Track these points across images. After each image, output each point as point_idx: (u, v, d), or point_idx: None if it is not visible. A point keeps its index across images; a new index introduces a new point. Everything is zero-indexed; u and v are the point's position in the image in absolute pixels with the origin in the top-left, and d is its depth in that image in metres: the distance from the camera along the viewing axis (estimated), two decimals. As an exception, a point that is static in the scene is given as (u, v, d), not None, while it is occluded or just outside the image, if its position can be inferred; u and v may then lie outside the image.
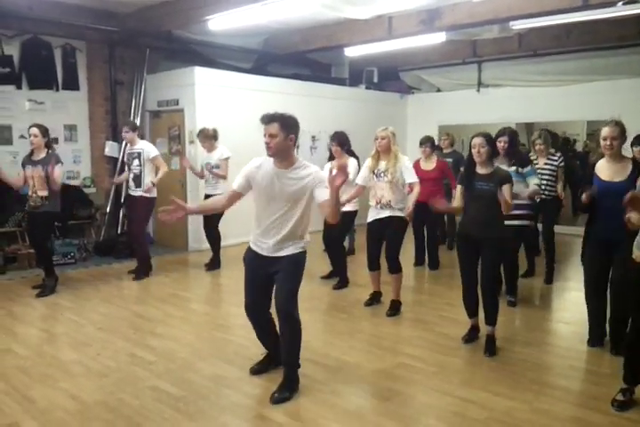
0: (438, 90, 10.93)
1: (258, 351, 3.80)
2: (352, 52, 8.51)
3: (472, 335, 4.27)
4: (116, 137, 7.77)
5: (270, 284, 3.37)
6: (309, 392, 3.40)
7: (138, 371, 3.71)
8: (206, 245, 6.86)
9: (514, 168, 4.81)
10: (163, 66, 8.24)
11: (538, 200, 5.62)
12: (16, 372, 3.71)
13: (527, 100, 9.37)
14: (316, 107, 9.00)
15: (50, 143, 5.58)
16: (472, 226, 4.04)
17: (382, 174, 4.75)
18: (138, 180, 6.08)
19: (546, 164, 5.78)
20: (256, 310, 3.50)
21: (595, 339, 4.11)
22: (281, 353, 3.41)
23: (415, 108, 11.01)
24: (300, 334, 3.35)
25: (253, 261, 3.41)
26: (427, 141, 6.55)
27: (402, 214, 4.76)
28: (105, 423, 3.01)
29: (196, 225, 7.54)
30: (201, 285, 6.22)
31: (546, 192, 5.75)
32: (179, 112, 7.88)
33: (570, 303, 5.39)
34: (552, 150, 5.91)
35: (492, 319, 4.08)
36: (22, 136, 6.86)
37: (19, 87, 7.11)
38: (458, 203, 4.16)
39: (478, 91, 10.16)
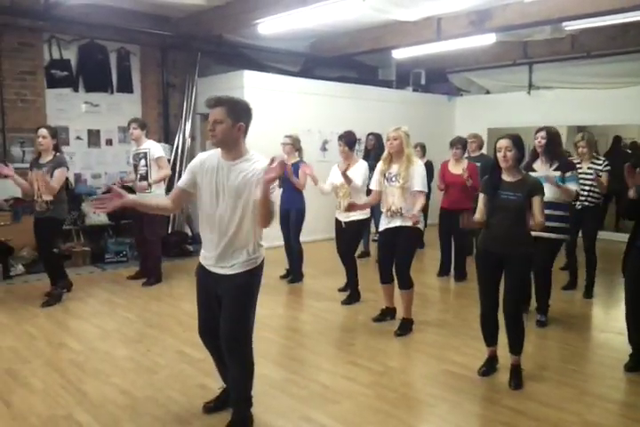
0: (487, 92, 10.78)
1: (301, 353, 3.84)
2: (399, 54, 8.49)
3: (490, 367, 3.76)
4: (168, 139, 7.97)
5: (220, 306, 2.90)
6: (353, 396, 3.41)
7: (186, 368, 3.80)
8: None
9: (558, 173, 4.45)
10: (213, 69, 8.41)
11: (579, 207, 5.32)
12: (70, 366, 3.85)
13: (579, 102, 9.13)
14: (363, 109, 9.01)
15: (58, 146, 5.33)
16: (494, 241, 3.56)
17: (393, 179, 4.39)
18: (144, 181, 5.88)
19: (589, 168, 5.36)
20: (209, 334, 2.99)
21: (634, 364, 3.79)
22: (230, 392, 3.03)
23: (463, 110, 10.88)
24: (251, 370, 2.94)
25: (202, 278, 2.96)
26: (457, 142, 6.18)
27: (416, 225, 4.32)
28: (154, 419, 3.10)
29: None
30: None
31: (589, 199, 5.37)
32: (228, 115, 8.00)
33: (612, 320, 5.10)
34: (595, 154, 5.50)
35: (517, 349, 3.59)
36: (79, 137, 7.12)
37: (76, 90, 7.38)
38: (480, 215, 3.64)
39: (529, 93, 9.96)
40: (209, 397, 3.35)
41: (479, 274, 3.69)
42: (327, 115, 8.56)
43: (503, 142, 3.49)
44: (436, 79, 10.95)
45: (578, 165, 5.29)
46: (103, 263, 6.96)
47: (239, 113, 2.77)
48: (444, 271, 6.52)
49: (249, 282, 2.83)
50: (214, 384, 3.52)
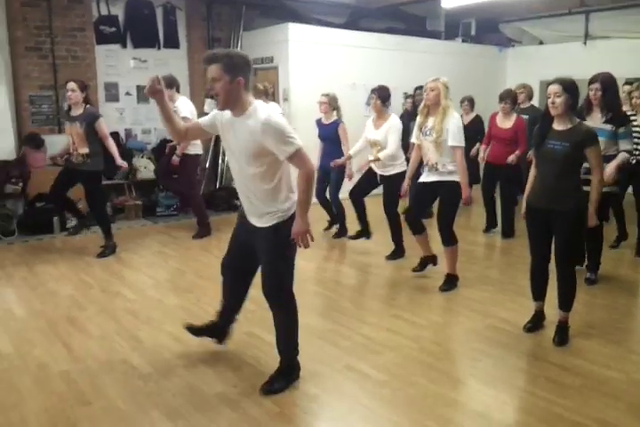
0: (541, 42, 10.32)
1: (346, 305, 3.89)
2: (449, 3, 8.15)
3: (536, 323, 3.70)
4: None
5: (253, 254, 2.96)
6: (397, 348, 3.48)
7: (235, 318, 3.93)
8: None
9: (609, 126, 4.25)
10: (258, 23, 8.31)
11: (633, 162, 4.96)
12: (125, 314, 4.04)
13: (639, 53, 8.65)
14: (410, 62, 8.78)
15: (88, 98, 5.36)
16: (541, 195, 3.41)
17: (428, 132, 4.28)
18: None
19: None
20: (230, 268, 3.14)
21: None
22: (276, 341, 3.07)
23: (515, 62, 10.47)
24: (296, 322, 3.02)
25: (240, 222, 3.05)
26: (507, 97, 5.94)
27: (454, 179, 4.25)
28: (207, 366, 3.24)
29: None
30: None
31: None
32: (273, 69, 7.95)
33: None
34: None
35: (566, 304, 3.50)
36: (128, 93, 7.21)
37: (124, 46, 7.45)
38: (532, 171, 3.52)
39: (585, 43, 9.49)
40: (257, 344, 3.49)
41: (529, 228, 3.59)
42: (373, 68, 8.39)
43: (553, 88, 3.26)
44: (487, 29, 10.51)
45: (632, 117, 5.01)
46: (155, 217, 7.17)
47: (236, 67, 2.65)
48: (489, 227, 6.44)
49: (280, 235, 2.82)
50: (262, 332, 3.64)
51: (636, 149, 5.01)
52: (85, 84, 5.36)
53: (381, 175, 5.20)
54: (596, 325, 3.84)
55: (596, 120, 4.35)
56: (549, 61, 9.73)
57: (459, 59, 9.55)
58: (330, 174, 5.90)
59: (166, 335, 3.66)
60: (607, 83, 4.28)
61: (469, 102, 7.36)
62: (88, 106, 5.29)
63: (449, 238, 4.42)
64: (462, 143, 4.22)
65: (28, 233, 6.24)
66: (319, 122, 6.12)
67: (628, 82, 5.89)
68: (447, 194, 4.33)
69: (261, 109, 2.70)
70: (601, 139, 4.09)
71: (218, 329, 3.33)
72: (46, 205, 6.28)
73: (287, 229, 2.81)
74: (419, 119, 4.43)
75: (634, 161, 5.12)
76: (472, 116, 7.30)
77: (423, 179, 4.42)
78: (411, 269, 4.85)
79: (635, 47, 8.73)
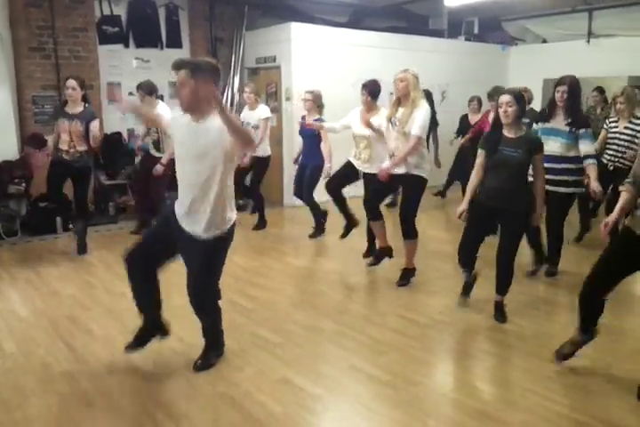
0: (544, 41, 10.27)
1: (351, 306, 3.90)
2: (452, 1, 8.13)
3: (467, 290, 4.11)
4: (216, 94, 7.99)
5: (171, 247, 3.00)
6: (401, 348, 3.47)
7: (238, 318, 3.93)
8: (301, 201, 6.95)
9: (570, 128, 4.25)
10: (260, 22, 8.29)
11: (611, 168, 5.04)
12: (128, 314, 4.01)
13: (643, 51, 8.62)
14: (413, 60, 8.63)
15: (87, 96, 5.37)
16: (494, 196, 3.65)
17: (397, 123, 4.26)
18: (157, 145, 5.93)
19: (626, 127, 5.03)
20: (137, 261, 3.04)
21: None
22: (204, 335, 3.23)
23: (518, 60, 10.43)
24: (220, 321, 3.20)
25: (169, 219, 3.00)
26: (495, 94, 5.66)
27: (420, 173, 4.29)
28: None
29: (291, 180, 7.69)
30: (296, 240, 6.39)
31: (621, 160, 5.08)
32: (276, 69, 7.95)
33: None
34: (638, 113, 5.09)
35: (504, 290, 3.85)
36: (131, 93, 7.20)
37: (126, 46, 7.44)
38: (479, 173, 3.74)
39: (588, 42, 9.44)
40: (260, 344, 3.48)
41: (471, 216, 3.78)
42: (376, 66, 8.31)
43: (504, 98, 3.53)
44: (490, 28, 10.46)
45: (614, 124, 5.03)
46: (156, 216, 7.13)
47: (203, 73, 2.72)
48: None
49: (213, 247, 2.90)
50: (265, 333, 3.64)
51: (615, 156, 5.03)
52: (84, 82, 5.36)
53: (364, 173, 5.05)
54: (600, 324, 3.82)
55: (559, 122, 4.33)
56: (553, 60, 9.69)
57: (462, 57, 9.53)
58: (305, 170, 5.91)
59: (170, 336, 3.65)
60: (574, 86, 4.26)
61: (478, 102, 7.35)
62: (87, 104, 5.30)
63: (412, 232, 4.43)
64: (423, 135, 4.24)
65: (30, 233, 6.24)
66: (303, 119, 6.10)
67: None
68: (412, 187, 4.35)
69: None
70: (562, 140, 4.20)
71: (153, 329, 3.28)
72: (49, 205, 6.28)
73: (222, 242, 2.92)
74: (388, 111, 4.42)
75: (611, 167, 5.09)
76: (480, 115, 7.24)
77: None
78: (366, 264, 4.91)
79: (638, 45, 8.69)
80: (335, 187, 5.37)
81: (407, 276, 4.58)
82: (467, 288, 4.12)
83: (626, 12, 8.89)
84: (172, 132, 2.96)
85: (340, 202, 5.50)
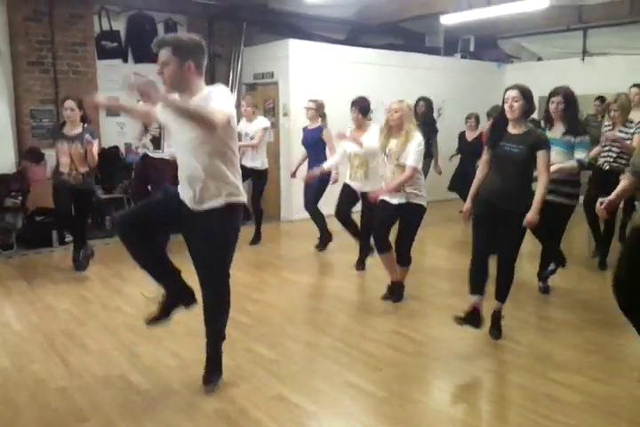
0: (539, 59, 10.41)
1: (347, 322, 3.87)
2: (448, 19, 8.23)
3: (472, 318, 3.64)
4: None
5: (174, 221, 2.87)
6: (397, 364, 3.46)
7: (234, 333, 3.88)
8: (298, 215, 6.96)
9: (566, 138, 4.24)
10: (259, 39, 8.39)
11: (606, 168, 5.11)
12: (124, 329, 4.02)
13: (636, 69, 8.66)
14: (410, 78, 8.85)
15: (85, 116, 5.22)
16: (496, 194, 3.53)
17: (392, 155, 4.26)
18: (157, 142, 5.78)
19: (620, 131, 5.10)
20: (131, 226, 2.85)
21: None
22: (206, 327, 3.03)
23: (514, 77, 10.41)
24: (229, 306, 3.02)
25: (173, 196, 2.86)
26: (494, 112, 5.75)
27: (419, 202, 4.28)
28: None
29: (287, 195, 7.72)
30: (291, 254, 6.39)
31: (618, 160, 5.13)
32: (273, 85, 8.01)
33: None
34: (631, 120, 5.16)
35: (503, 296, 3.70)
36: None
37: (125, 61, 7.50)
38: (484, 168, 3.69)
39: (583, 60, 9.58)
40: (256, 360, 3.46)
41: (476, 219, 3.67)
42: (373, 83, 8.43)
43: (511, 93, 3.43)
44: (486, 45, 10.61)
45: (608, 129, 5.14)
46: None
47: (186, 51, 2.59)
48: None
49: (226, 217, 2.75)
50: (261, 349, 3.62)
51: (610, 156, 5.19)
52: (83, 102, 5.16)
53: (361, 192, 5.09)
54: (597, 342, 3.83)
55: (557, 133, 4.35)
56: (548, 77, 9.72)
57: (458, 74, 9.64)
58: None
59: (165, 351, 3.63)
60: (569, 96, 4.30)
61: (475, 119, 7.39)
62: (86, 125, 5.21)
63: (407, 260, 4.46)
64: (419, 165, 4.24)
65: (26, 247, 6.23)
66: (305, 129, 6.14)
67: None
68: (412, 216, 4.33)
69: (210, 87, 2.68)
70: (560, 149, 4.21)
71: (174, 297, 3.08)
72: (45, 219, 6.27)
73: (233, 217, 2.78)
74: (380, 139, 4.38)
75: (607, 167, 5.16)
76: (477, 133, 7.31)
77: (386, 198, 4.32)
78: (381, 298, 4.62)
79: (632, 63, 8.80)
80: (344, 216, 5.42)
81: (399, 290, 4.54)
82: (474, 319, 3.67)
83: (619, 30, 9.03)
84: (164, 121, 2.83)
85: (352, 227, 5.51)
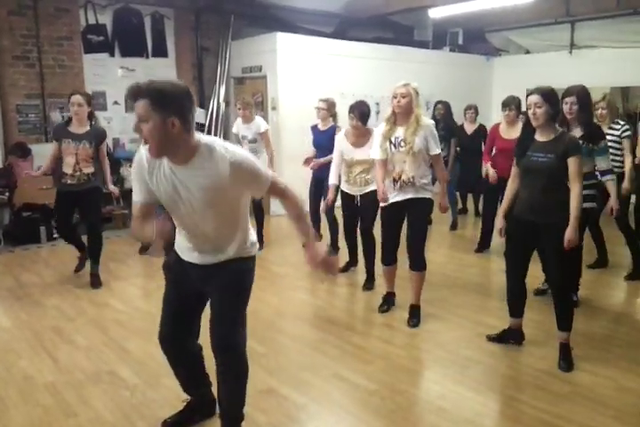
0: (527, 52, 10.43)
1: (338, 314, 3.88)
2: (436, 13, 8.23)
3: (510, 336, 3.54)
4: (203, 104, 8.00)
5: (200, 304, 2.55)
6: (386, 356, 3.48)
7: (223, 328, 3.91)
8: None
9: (585, 143, 3.81)
10: (246, 32, 8.34)
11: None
12: (114, 325, 4.01)
13: (624, 62, 8.73)
14: (398, 71, 8.74)
15: (93, 113, 4.78)
16: (527, 209, 3.21)
17: (402, 143, 3.77)
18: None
19: (607, 133, 4.74)
20: (176, 341, 2.59)
21: None
22: (220, 401, 2.57)
23: (502, 71, 10.57)
24: (247, 376, 2.55)
25: (179, 270, 2.52)
26: (511, 103, 5.31)
27: (428, 196, 3.86)
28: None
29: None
30: (281, 248, 6.38)
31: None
32: (262, 78, 7.98)
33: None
34: (618, 119, 4.92)
35: (565, 324, 3.27)
36: (116, 102, 7.21)
37: (112, 55, 7.45)
38: (514, 182, 3.37)
39: (570, 52, 9.60)
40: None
41: (511, 238, 3.38)
42: (361, 77, 8.43)
43: (533, 98, 3.14)
44: (474, 39, 10.60)
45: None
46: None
47: (168, 105, 2.01)
48: (482, 246, 5.92)
49: (245, 271, 2.48)
50: (250, 342, 3.59)
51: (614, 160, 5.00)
52: (91, 97, 4.82)
53: (360, 195, 4.65)
54: (584, 332, 3.85)
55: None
56: (536, 70, 9.80)
57: (446, 68, 9.63)
58: (323, 185, 5.33)
59: (154, 346, 3.56)
60: (583, 96, 3.90)
61: (475, 111, 6.96)
62: (94, 123, 4.79)
63: (421, 261, 3.93)
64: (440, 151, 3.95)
65: (14, 243, 6.18)
66: (315, 128, 5.67)
67: None
68: (422, 211, 3.92)
69: (217, 147, 2.14)
70: None
71: (197, 408, 2.76)
72: (32, 214, 6.23)
73: (250, 267, 2.52)
74: (384, 129, 3.87)
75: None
76: (476, 125, 6.94)
77: (393, 199, 3.86)
78: (378, 311, 4.27)
79: (620, 56, 8.84)
80: (366, 227, 4.78)
81: (417, 314, 4.02)
82: (514, 336, 3.53)
83: (607, 23, 9.05)
84: (150, 180, 2.24)
85: (371, 246, 4.82)
